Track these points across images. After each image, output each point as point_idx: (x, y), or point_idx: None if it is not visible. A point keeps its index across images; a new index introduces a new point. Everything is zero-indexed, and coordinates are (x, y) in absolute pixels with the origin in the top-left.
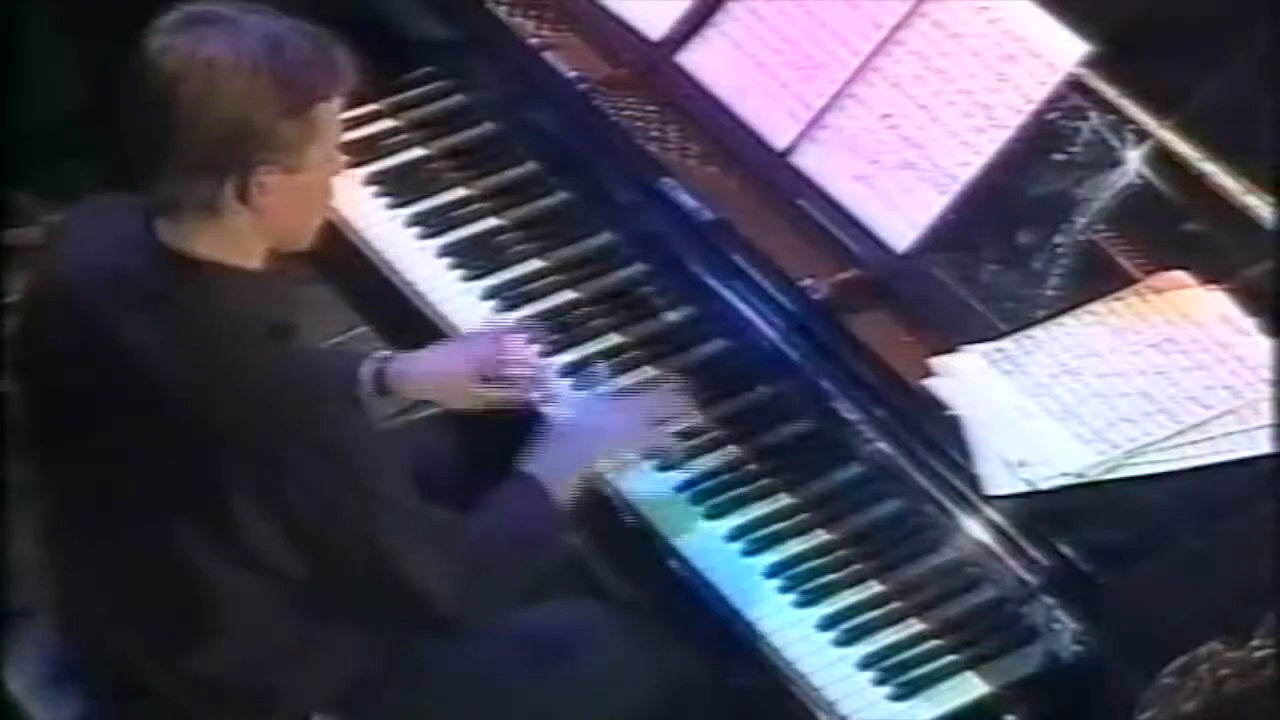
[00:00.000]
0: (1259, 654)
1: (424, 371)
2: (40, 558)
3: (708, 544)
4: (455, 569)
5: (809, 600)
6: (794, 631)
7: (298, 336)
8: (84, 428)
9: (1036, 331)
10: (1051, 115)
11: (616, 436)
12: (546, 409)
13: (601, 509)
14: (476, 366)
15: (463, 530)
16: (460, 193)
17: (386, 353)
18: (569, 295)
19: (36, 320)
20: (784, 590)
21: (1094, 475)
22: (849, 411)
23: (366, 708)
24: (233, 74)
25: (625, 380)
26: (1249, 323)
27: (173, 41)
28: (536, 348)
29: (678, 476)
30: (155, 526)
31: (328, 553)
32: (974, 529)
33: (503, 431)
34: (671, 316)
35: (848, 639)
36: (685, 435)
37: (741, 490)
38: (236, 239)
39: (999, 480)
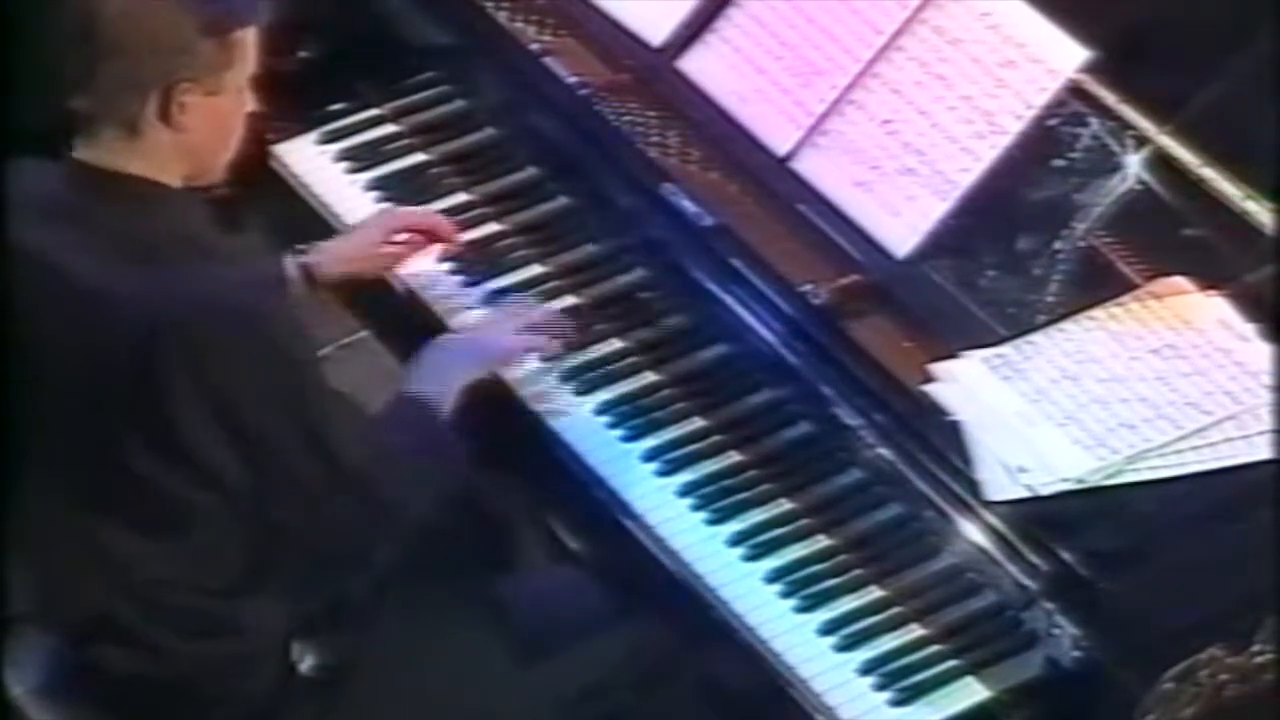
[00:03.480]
0: (1259, 659)
1: (341, 251)
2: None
3: (708, 549)
4: (378, 452)
5: (809, 605)
6: (795, 636)
7: (217, 248)
8: (34, 356)
9: (1037, 337)
10: (1051, 121)
11: (493, 350)
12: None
13: (601, 512)
14: (386, 230)
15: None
16: (461, 198)
17: (302, 249)
18: (570, 300)
19: None
20: (785, 595)
21: (1094, 481)
22: (849, 417)
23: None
24: None
25: (625, 386)
26: (1249, 328)
27: None
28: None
29: (679, 481)
30: (109, 445)
31: (265, 446)
32: (974, 534)
33: (501, 435)
34: (672, 321)
35: (849, 644)
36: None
37: (742, 495)
38: (155, 157)
39: (999, 486)
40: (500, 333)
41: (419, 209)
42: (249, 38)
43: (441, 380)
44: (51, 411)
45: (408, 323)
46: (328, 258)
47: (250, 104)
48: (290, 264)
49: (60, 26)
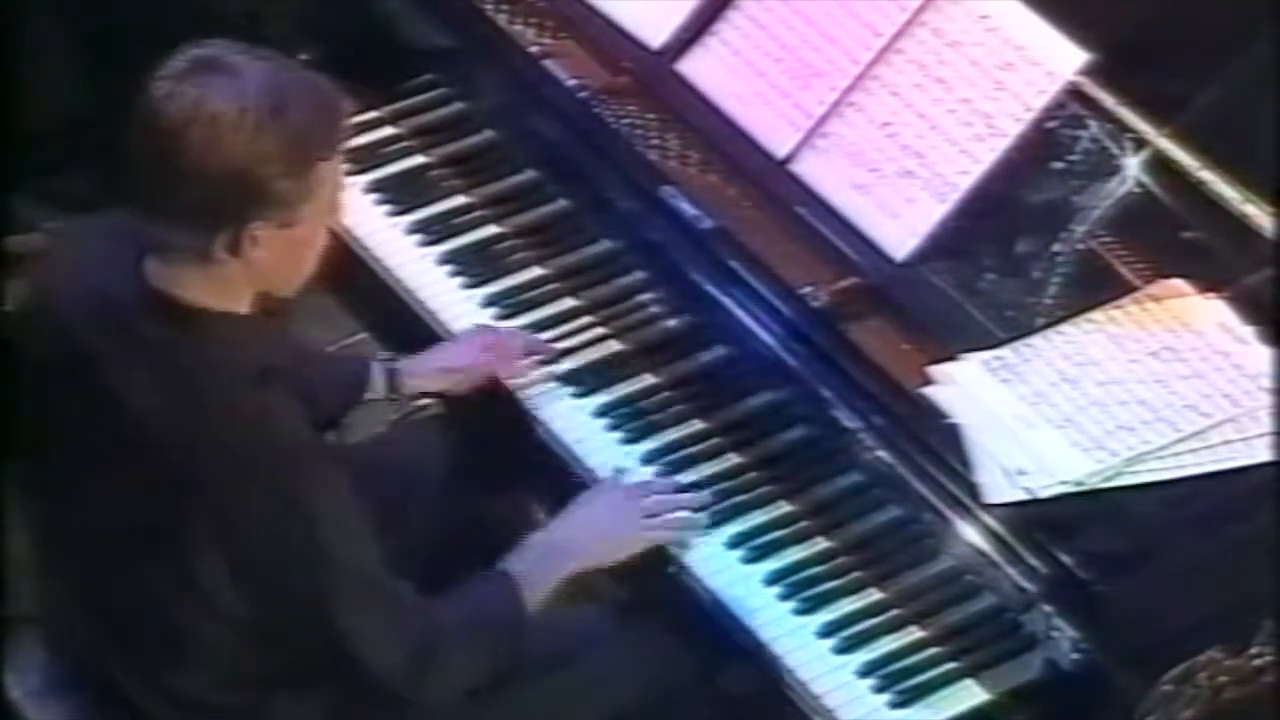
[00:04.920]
0: (1257, 662)
1: (435, 366)
2: (33, 567)
3: (708, 551)
4: (408, 651)
5: (809, 608)
6: (794, 639)
7: (283, 379)
8: (62, 451)
9: (1035, 340)
10: (1050, 123)
11: (604, 548)
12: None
13: None
14: (485, 355)
15: (425, 612)
16: (460, 200)
17: (388, 356)
18: (569, 303)
19: (27, 333)
20: (784, 597)
21: (1093, 483)
22: (848, 419)
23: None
24: (235, 130)
25: (625, 388)
26: (1248, 331)
27: (178, 89)
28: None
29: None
30: (125, 557)
31: (283, 614)
32: (973, 537)
33: (492, 435)
34: (671, 324)
35: (847, 646)
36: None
37: (741, 498)
38: (224, 285)
39: (998, 488)
40: (615, 527)
41: (516, 332)
42: (333, 165)
43: (543, 579)
44: (77, 510)
45: (407, 324)
46: (420, 368)
47: (337, 218)
48: (376, 369)
49: (139, 146)
